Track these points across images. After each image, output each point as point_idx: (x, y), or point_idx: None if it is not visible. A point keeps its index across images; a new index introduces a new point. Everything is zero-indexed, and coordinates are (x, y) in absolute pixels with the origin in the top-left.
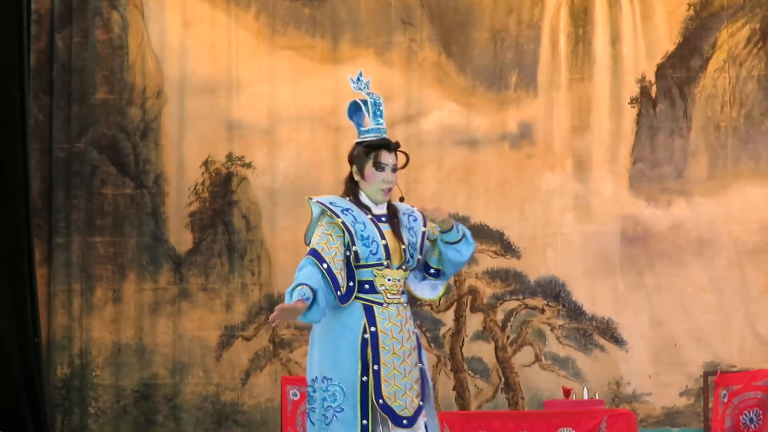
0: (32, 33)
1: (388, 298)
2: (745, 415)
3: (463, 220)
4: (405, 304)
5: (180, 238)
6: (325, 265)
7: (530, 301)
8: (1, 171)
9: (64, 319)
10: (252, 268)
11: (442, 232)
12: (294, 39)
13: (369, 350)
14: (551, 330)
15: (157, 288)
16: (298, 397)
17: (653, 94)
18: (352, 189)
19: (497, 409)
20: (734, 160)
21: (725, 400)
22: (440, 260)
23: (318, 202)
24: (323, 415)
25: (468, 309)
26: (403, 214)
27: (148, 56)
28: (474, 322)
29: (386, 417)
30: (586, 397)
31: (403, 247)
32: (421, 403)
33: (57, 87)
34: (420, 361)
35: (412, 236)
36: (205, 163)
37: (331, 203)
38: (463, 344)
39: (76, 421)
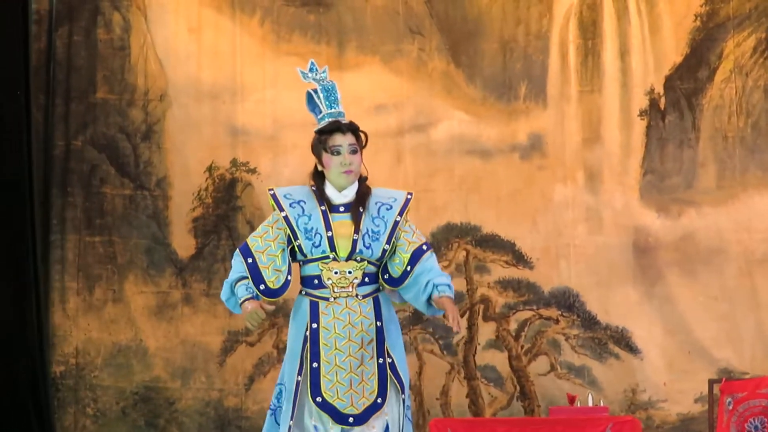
0: (32, 33)
1: (335, 292)
2: (750, 422)
3: (474, 229)
4: (361, 297)
5: (182, 242)
6: (249, 260)
7: (544, 312)
8: (6, 170)
9: (56, 316)
10: None
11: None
12: (299, 45)
13: (308, 347)
14: (566, 340)
15: (159, 291)
16: None
17: (662, 106)
18: (316, 180)
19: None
20: (742, 170)
21: (730, 407)
22: (399, 270)
23: (272, 194)
24: (269, 411)
25: (480, 318)
26: (376, 202)
27: (150, 59)
28: (486, 330)
29: (326, 416)
30: (590, 404)
31: (354, 237)
32: (379, 400)
33: (55, 84)
34: (381, 355)
35: (377, 225)
36: (209, 169)
37: (285, 195)
38: (475, 353)
39: (69, 420)
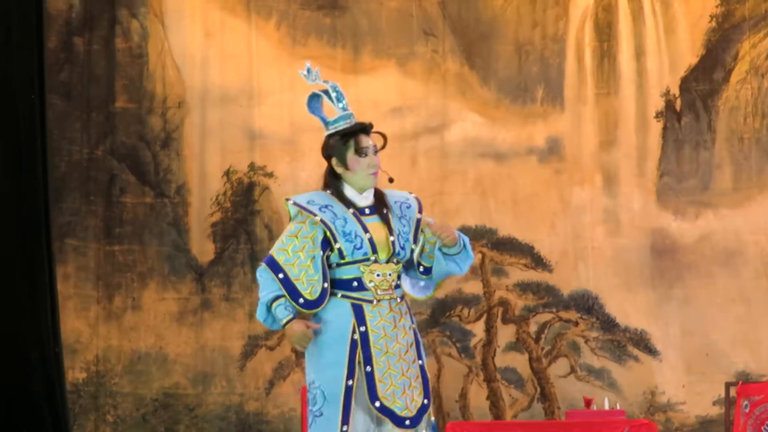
0: (46, 35)
1: (378, 295)
2: (767, 425)
3: (490, 232)
4: (399, 299)
5: (202, 248)
6: (281, 275)
7: (564, 314)
8: (21, 174)
9: (76, 323)
10: None
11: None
12: (315, 49)
13: (359, 352)
14: (585, 342)
15: (179, 298)
16: None
17: (678, 108)
18: (333, 184)
19: (534, 419)
20: (758, 171)
21: (747, 410)
22: (432, 259)
23: (294, 203)
24: (309, 418)
25: (499, 320)
26: (395, 201)
27: (168, 65)
28: (506, 333)
29: (386, 419)
30: (607, 406)
31: (391, 238)
32: (425, 401)
33: (74, 93)
34: (420, 357)
35: (404, 225)
36: (227, 173)
37: (309, 202)
38: (495, 355)
39: (90, 427)
